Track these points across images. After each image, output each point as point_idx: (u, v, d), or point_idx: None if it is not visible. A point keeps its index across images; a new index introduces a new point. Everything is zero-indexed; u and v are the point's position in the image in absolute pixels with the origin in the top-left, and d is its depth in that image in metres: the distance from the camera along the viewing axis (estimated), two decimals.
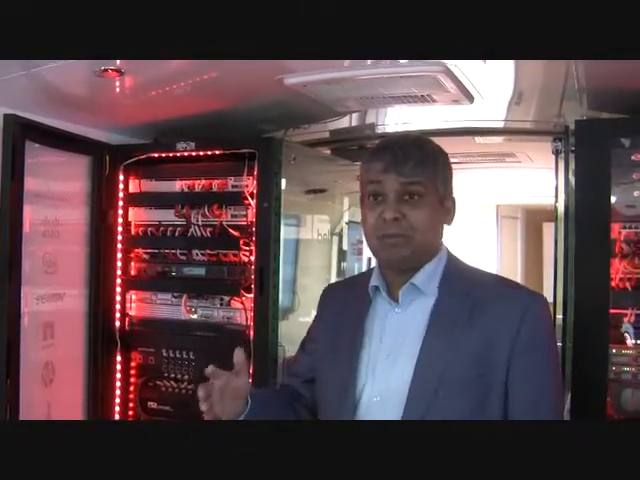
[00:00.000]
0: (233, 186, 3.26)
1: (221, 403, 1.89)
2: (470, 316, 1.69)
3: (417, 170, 1.73)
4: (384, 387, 1.73)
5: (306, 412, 2.00)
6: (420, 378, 1.68)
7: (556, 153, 2.96)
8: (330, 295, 2.05)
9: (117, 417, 3.44)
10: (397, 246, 1.73)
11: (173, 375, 3.36)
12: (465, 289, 1.74)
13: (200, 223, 3.32)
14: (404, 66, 2.52)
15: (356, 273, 4.04)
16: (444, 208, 1.79)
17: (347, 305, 1.90)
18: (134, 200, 3.50)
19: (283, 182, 3.12)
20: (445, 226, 1.82)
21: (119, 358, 3.45)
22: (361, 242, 4.03)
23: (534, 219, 7.87)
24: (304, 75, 2.64)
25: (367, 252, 3.96)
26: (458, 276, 1.78)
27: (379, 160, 1.75)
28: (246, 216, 3.20)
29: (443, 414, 1.64)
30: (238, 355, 1.95)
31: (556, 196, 2.98)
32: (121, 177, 3.46)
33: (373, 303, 1.84)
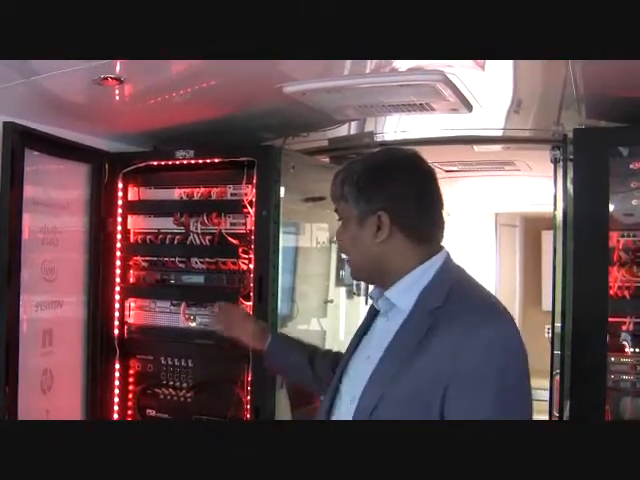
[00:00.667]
0: (232, 194, 3.26)
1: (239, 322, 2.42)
2: (425, 335, 1.64)
3: (334, 198, 1.84)
4: (355, 388, 1.75)
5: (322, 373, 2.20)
6: (367, 391, 1.70)
7: (555, 161, 2.97)
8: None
9: None
10: (349, 267, 1.89)
11: (172, 383, 3.35)
12: (432, 306, 1.68)
13: (199, 231, 3.32)
14: (403, 75, 2.53)
15: (354, 281, 4.05)
16: (367, 226, 1.76)
17: (370, 309, 1.96)
18: (133, 208, 3.50)
19: (282, 190, 3.12)
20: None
21: (118, 365, 3.45)
22: None
23: (533, 227, 7.87)
24: (303, 83, 2.65)
25: None
26: (435, 291, 1.72)
27: None
28: (245, 224, 3.20)
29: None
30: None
31: (555, 204, 2.98)
32: (120, 185, 3.46)
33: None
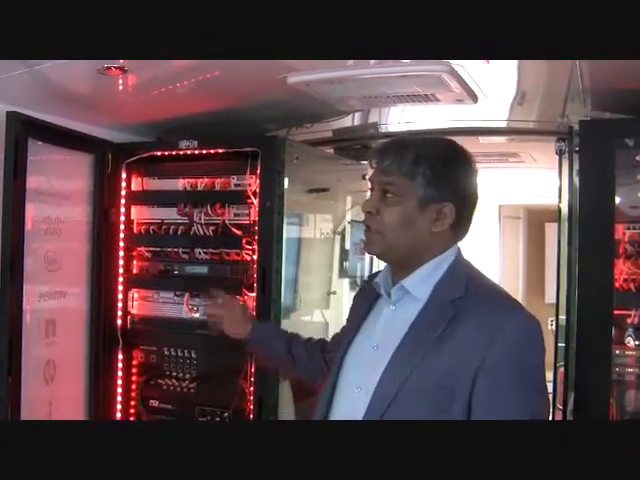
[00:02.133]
0: (236, 185, 3.25)
1: (229, 317, 2.49)
2: (447, 326, 1.67)
3: (391, 169, 1.77)
4: (364, 379, 1.76)
5: (305, 362, 2.34)
6: (385, 380, 1.71)
7: (559, 153, 2.96)
8: (362, 285, 2.12)
9: (119, 415, 3.44)
10: (371, 241, 1.82)
11: (175, 373, 3.35)
12: (453, 297, 1.71)
13: (203, 222, 3.31)
14: (408, 65, 2.52)
15: (358, 272, 4.05)
16: (428, 212, 1.76)
17: (364, 297, 1.99)
18: (137, 198, 3.49)
19: (286, 181, 3.11)
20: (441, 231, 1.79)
21: (121, 356, 3.45)
22: (364, 241, 4.02)
23: (536, 219, 7.86)
24: (307, 74, 2.64)
25: None
26: (453, 283, 1.75)
27: (372, 157, 1.83)
28: (249, 215, 3.20)
29: (399, 418, 1.67)
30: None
31: (559, 196, 2.97)
32: (124, 175, 3.45)
33: (379, 298, 1.90)
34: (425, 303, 1.75)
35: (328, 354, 2.27)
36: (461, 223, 1.80)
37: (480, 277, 1.81)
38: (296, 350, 2.40)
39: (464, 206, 1.79)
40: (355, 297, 2.19)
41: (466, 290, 1.72)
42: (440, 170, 1.76)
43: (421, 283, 1.77)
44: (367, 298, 1.95)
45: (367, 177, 1.86)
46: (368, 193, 1.89)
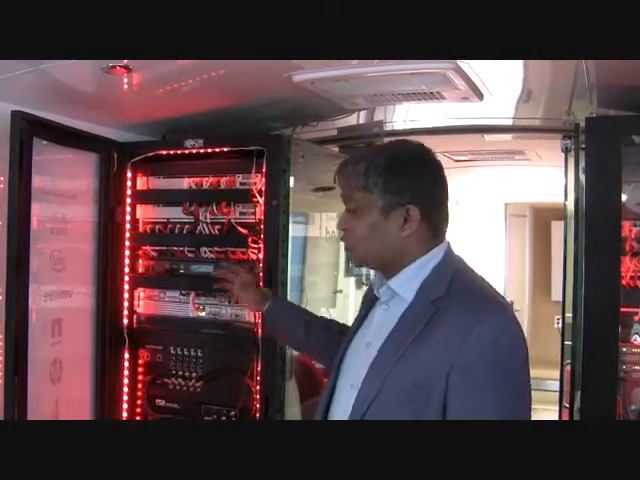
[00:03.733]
0: (241, 183, 3.25)
1: (239, 282, 2.49)
2: (426, 326, 1.68)
3: (349, 186, 1.80)
4: (357, 377, 1.77)
5: (321, 349, 2.33)
6: (369, 377, 1.73)
7: (565, 151, 2.95)
8: (368, 286, 2.14)
9: (125, 414, 3.45)
10: (351, 255, 1.89)
11: (181, 373, 3.35)
12: (434, 296, 1.71)
13: (208, 220, 3.31)
14: (413, 63, 2.51)
15: (364, 271, 4.05)
16: (391, 219, 1.77)
17: (367, 297, 2.01)
18: (142, 197, 3.50)
19: (291, 180, 3.12)
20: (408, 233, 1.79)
21: (127, 355, 3.45)
22: None
23: (542, 217, 7.87)
24: (312, 72, 2.64)
25: None
26: (436, 282, 1.75)
27: (334, 177, 1.87)
28: (254, 214, 3.19)
29: (379, 417, 1.68)
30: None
31: (565, 194, 2.96)
32: (129, 174, 3.45)
33: (377, 299, 1.91)
34: (410, 303, 1.76)
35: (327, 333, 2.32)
36: (433, 221, 1.79)
37: (466, 276, 1.80)
38: (314, 337, 2.37)
39: (430, 204, 1.79)
40: (363, 297, 2.18)
41: (447, 289, 1.72)
42: (392, 176, 1.76)
43: (406, 283, 1.78)
44: (368, 299, 1.98)
45: None
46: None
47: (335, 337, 2.26)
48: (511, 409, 1.61)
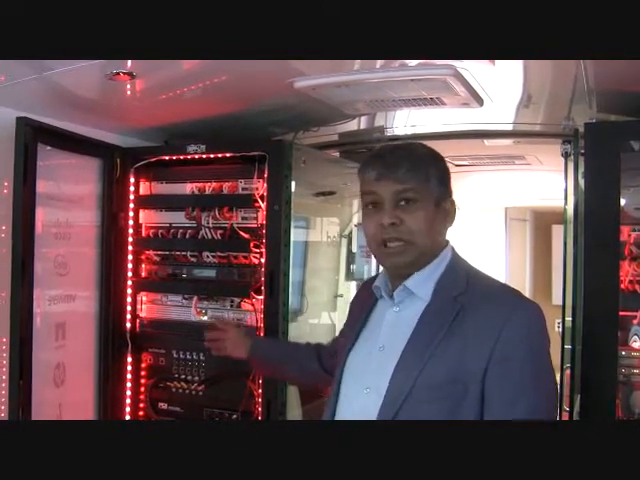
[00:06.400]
0: (243, 189, 3.27)
1: (230, 341, 2.63)
2: (454, 321, 1.71)
3: (409, 176, 1.78)
4: (374, 380, 1.79)
5: (304, 371, 2.44)
6: (397, 379, 1.74)
7: (565, 156, 2.97)
8: (359, 291, 2.18)
9: (128, 418, 3.46)
10: (399, 252, 1.80)
11: (183, 376, 3.37)
12: (456, 293, 1.75)
13: (210, 225, 3.33)
14: (414, 69, 2.53)
15: (365, 275, 4.06)
16: (442, 210, 1.82)
17: (363, 301, 2.01)
18: (145, 202, 3.52)
19: (293, 185, 3.13)
20: (448, 228, 1.87)
21: (130, 359, 3.47)
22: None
23: (543, 221, 7.87)
24: (314, 78, 2.65)
25: None
26: (454, 279, 1.80)
27: (373, 170, 1.81)
28: (256, 218, 3.21)
29: (413, 415, 1.70)
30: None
31: (565, 198, 2.98)
32: (132, 179, 3.47)
33: (378, 301, 1.94)
34: (429, 301, 1.79)
35: (329, 360, 2.30)
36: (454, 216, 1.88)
37: (478, 272, 1.86)
38: (295, 362, 2.50)
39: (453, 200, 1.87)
40: (352, 303, 2.22)
41: (467, 285, 1.77)
42: (439, 168, 1.84)
43: (423, 283, 1.81)
44: (365, 303, 1.98)
45: (367, 191, 1.85)
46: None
47: (310, 362, 2.41)
48: (548, 389, 1.70)
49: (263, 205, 3.15)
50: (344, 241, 3.93)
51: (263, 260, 3.15)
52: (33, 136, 2.81)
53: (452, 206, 1.84)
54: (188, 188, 3.43)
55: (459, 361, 1.68)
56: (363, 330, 1.93)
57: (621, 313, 2.48)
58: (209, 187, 3.37)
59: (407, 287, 1.82)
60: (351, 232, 3.96)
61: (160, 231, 3.47)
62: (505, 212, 7.73)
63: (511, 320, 1.67)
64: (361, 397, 1.80)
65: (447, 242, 1.88)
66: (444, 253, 1.84)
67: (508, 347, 1.65)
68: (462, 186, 5.37)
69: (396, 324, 1.82)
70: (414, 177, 1.78)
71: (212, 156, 3.30)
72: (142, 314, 3.52)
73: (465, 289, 1.75)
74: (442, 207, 1.82)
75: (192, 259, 3.39)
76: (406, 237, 1.78)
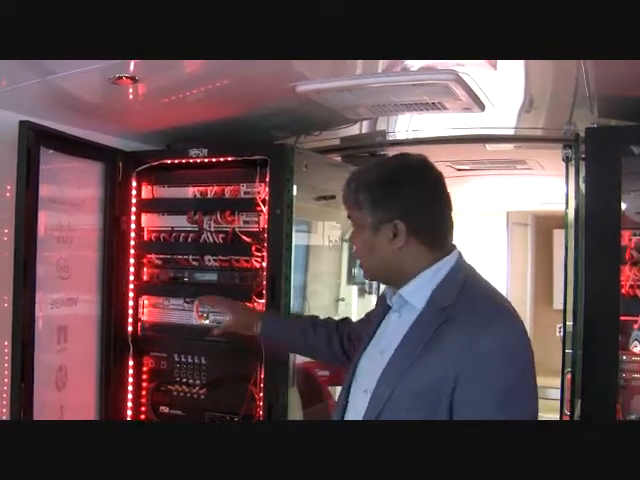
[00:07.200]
0: (245, 192, 3.27)
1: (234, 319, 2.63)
2: (435, 333, 1.72)
3: (346, 203, 1.90)
4: (370, 382, 1.82)
5: (323, 350, 2.45)
6: (381, 384, 1.78)
7: (566, 160, 2.97)
8: (379, 297, 2.17)
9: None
10: (364, 271, 1.96)
11: (185, 380, 3.37)
12: (446, 303, 1.76)
13: (212, 229, 3.33)
14: (415, 74, 2.54)
15: (366, 280, 4.07)
16: (381, 234, 1.83)
17: (380, 305, 2.06)
18: (147, 206, 3.52)
19: (295, 189, 3.13)
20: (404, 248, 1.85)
21: (131, 363, 3.47)
22: None
23: (544, 226, 7.87)
24: (316, 82, 2.66)
25: None
26: (448, 289, 1.79)
27: None
28: (258, 222, 3.22)
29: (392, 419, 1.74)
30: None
31: (566, 203, 2.98)
32: (134, 183, 3.48)
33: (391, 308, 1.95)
34: (421, 310, 1.80)
35: (349, 341, 2.37)
36: (426, 232, 1.84)
37: (476, 283, 1.84)
38: (312, 340, 2.47)
39: (418, 216, 1.82)
40: (376, 304, 2.25)
41: (457, 298, 1.76)
42: (380, 193, 1.82)
43: (417, 292, 1.82)
44: (382, 307, 2.01)
45: None
46: None
47: (334, 336, 2.41)
48: (521, 409, 1.66)
49: (265, 209, 3.15)
50: (345, 245, 3.93)
51: (265, 264, 3.15)
52: (35, 140, 2.81)
53: (398, 227, 1.80)
54: (190, 192, 3.43)
55: (434, 372, 1.70)
56: (375, 334, 1.97)
57: (622, 318, 2.49)
58: (211, 191, 3.37)
59: (401, 295, 1.85)
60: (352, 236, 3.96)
61: (162, 235, 3.47)
62: (506, 216, 7.72)
63: (483, 340, 1.65)
64: (359, 398, 1.85)
65: (452, 248, 1.87)
66: (442, 263, 1.83)
67: (476, 363, 1.65)
68: (463, 191, 5.38)
69: (395, 330, 1.85)
70: (349, 205, 1.89)
71: (214, 160, 3.30)
72: (144, 317, 3.52)
73: (454, 301, 1.75)
74: (382, 230, 1.82)
75: (194, 263, 3.39)
76: (356, 256, 1.96)
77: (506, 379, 1.65)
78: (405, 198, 1.80)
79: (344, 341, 2.40)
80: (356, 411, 1.85)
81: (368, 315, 2.29)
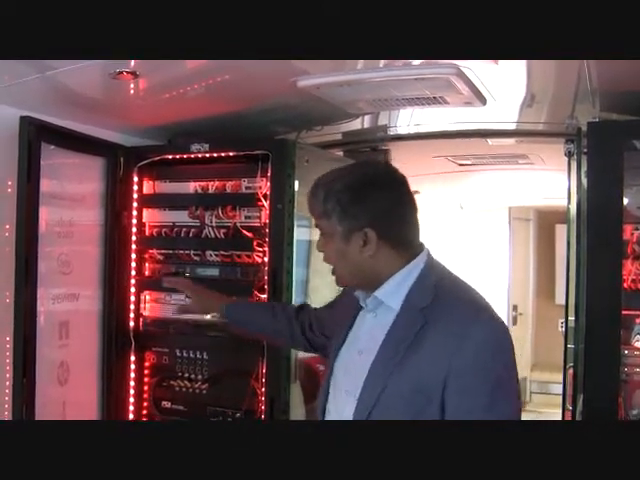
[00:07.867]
0: (247, 187, 3.27)
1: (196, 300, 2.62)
2: (417, 334, 1.73)
3: (314, 213, 1.88)
4: (351, 383, 1.83)
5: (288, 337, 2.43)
6: (368, 385, 1.78)
7: (568, 155, 2.97)
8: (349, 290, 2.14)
9: (131, 416, 3.47)
10: (336, 277, 1.93)
11: (187, 375, 3.37)
12: (422, 305, 1.76)
13: (214, 224, 3.33)
14: (417, 68, 2.53)
15: None
16: (352, 242, 1.81)
17: (350, 304, 2.01)
18: (148, 201, 3.52)
19: (296, 184, 3.13)
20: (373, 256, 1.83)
21: (133, 358, 3.48)
22: None
23: (546, 221, 7.87)
24: (317, 77, 2.66)
25: None
26: (422, 291, 1.80)
27: None
28: (259, 217, 3.22)
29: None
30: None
31: (568, 198, 2.98)
32: (135, 178, 3.48)
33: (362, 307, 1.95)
34: (398, 312, 1.81)
35: (310, 330, 2.36)
36: (396, 237, 1.83)
37: (449, 283, 1.85)
38: (274, 324, 2.47)
39: (387, 222, 1.82)
40: (340, 296, 2.26)
41: (433, 298, 1.76)
42: (348, 202, 1.80)
43: (393, 293, 1.83)
44: (352, 306, 1.99)
45: None
46: None
47: (293, 322, 2.40)
48: (503, 411, 1.68)
49: (266, 204, 3.15)
50: None
51: (266, 259, 3.16)
52: (36, 135, 2.81)
53: (368, 236, 1.79)
54: (191, 187, 3.43)
55: (422, 373, 1.71)
56: (349, 334, 1.96)
57: (624, 312, 2.48)
58: (212, 186, 3.37)
59: (377, 297, 1.85)
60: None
61: (163, 230, 3.47)
62: (508, 211, 7.71)
63: (469, 338, 1.67)
64: (341, 399, 1.87)
65: (421, 249, 1.87)
66: (412, 265, 1.84)
67: (464, 364, 1.66)
68: (465, 186, 5.37)
69: (373, 330, 1.86)
70: (316, 214, 1.87)
71: (215, 155, 3.30)
72: (145, 313, 3.52)
73: (431, 302, 1.76)
74: (353, 238, 1.81)
75: (195, 258, 3.39)
76: (328, 263, 1.91)
77: (493, 373, 1.68)
78: (374, 206, 1.80)
79: (305, 328, 2.38)
80: (338, 411, 1.87)
81: (332, 304, 2.30)
